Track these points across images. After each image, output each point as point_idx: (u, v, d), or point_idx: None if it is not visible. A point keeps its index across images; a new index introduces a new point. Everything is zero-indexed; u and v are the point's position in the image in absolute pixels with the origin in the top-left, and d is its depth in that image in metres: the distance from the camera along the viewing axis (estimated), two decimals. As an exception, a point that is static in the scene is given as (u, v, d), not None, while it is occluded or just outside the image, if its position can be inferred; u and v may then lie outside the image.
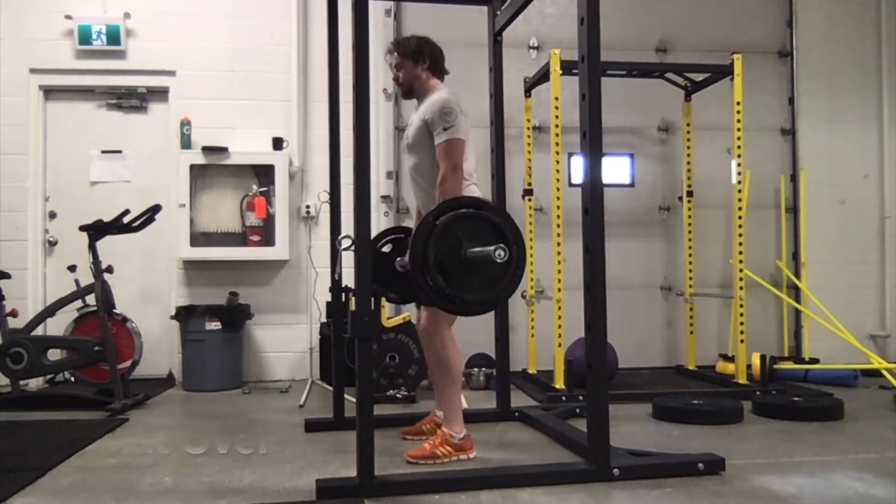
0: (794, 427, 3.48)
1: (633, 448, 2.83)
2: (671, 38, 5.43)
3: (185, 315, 4.67)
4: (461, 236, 2.56)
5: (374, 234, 2.98)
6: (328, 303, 3.82)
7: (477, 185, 3.05)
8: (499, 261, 2.44)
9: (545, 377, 4.53)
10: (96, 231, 4.10)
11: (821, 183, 5.45)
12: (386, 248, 3.27)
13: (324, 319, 4.82)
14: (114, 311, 4.23)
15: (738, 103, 4.45)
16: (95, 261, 4.10)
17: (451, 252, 2.55)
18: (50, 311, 4.26)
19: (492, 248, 2.44)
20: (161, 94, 5.09)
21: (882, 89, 5.59)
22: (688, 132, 5.04)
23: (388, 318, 4.26)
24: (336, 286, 3.44)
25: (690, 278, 5.04)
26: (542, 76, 4.55)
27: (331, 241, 3.54)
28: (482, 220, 2.60)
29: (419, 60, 3.11)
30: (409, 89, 3.16)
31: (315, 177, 5.04)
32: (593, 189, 2.61)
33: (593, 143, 2.61)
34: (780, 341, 5.39)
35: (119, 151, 5.08)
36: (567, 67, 4.29)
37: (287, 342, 5.06)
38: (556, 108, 4.29)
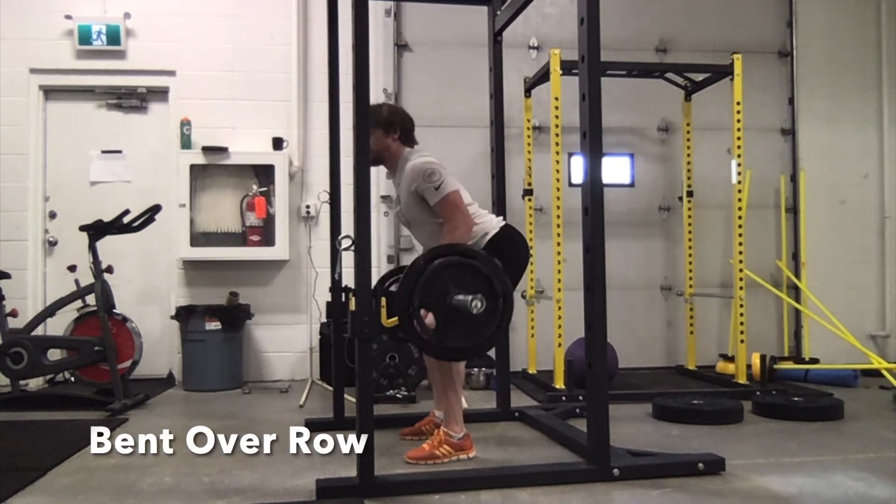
0: (794, 427, 3.48)
1: (633, 448, 2.82)
2: (671, 38, 5.43)
3: (185, 315, 4.67)
4: (450, 283, 2.56)
5: (373, 234, 2.98)
6: (328, 303, 3.81)
7: (486, 212, 3.09)
8: (474, 311, 2.46)
9: (545, 377, 4.53)
10: (96, 231, 4.10)
11: (821, 183, 5.45)
12: (394, 288, 3.27)
13: (324, 319, 4.81)
14: (114, 311, 4.23)
15: (738, 103, 4.45)
16: (95, 261, 4.10)
17: (437, 298, 2.55)
18: (50, 311, 4.26)
19: (470, 297, 2.46)
20: (161, 94, 5.09)
21: (882, 89, 5.59)
22: (688, 132, 5.04)
23: (388, 319, 4.26)
24: (336, 286, 3.44)
25: (690, 278, 5.04)
26: (542, 76, 4.54)
27: (331, 241, 3.54)
28: (473, 270, 2.58)
29: (390, 130, 3.07)
30: (377, 158, 3.07)
31: (315, 177, 5.04)
32: (593, 189, 2.61)
33: (593, 143, 2.61)
34: (780, 341, 5.38)
35: (119, 151, 5.08)
36: (567, 67, 4.28)
37: (287, 342, 5.06)
38: (556, 108, 4.29)
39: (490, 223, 3.01)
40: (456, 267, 2.59)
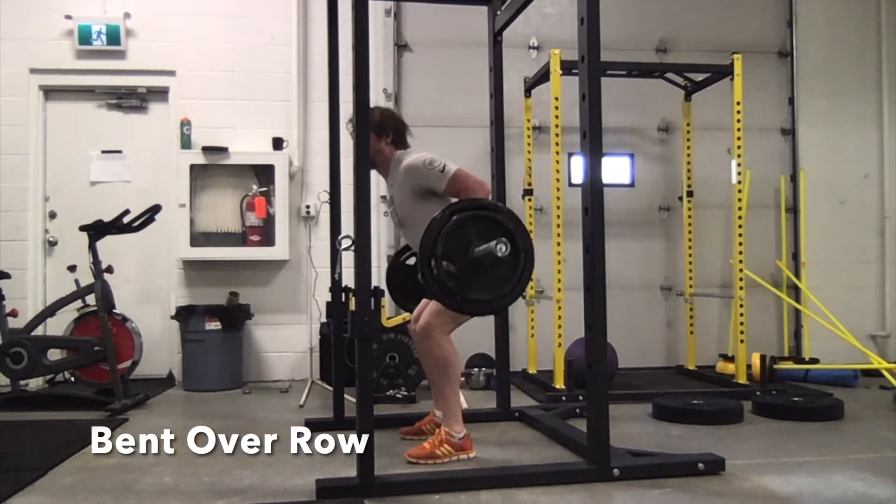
0: (794, 427, 3.48)
1: (633, 448, 2.82)
2: (671, 38, 5.43)
3: (185, 315, 4.67)
4: (473, 235, 2.57)
5: (373, 234, 2.99)
6: (328, 303, 3.82)
7: None
8: (499, 254, 2.46)
9: (545, 377, 4.53)
10: (96, 231, 4.10)
11: (821, 183, 5.45)
12: (410, 261, 3.27)
13: (324, 319, 4.81)
14: (114, 311, 4.23)
15: (738, 103, 4.45)
16: (95, 261, 4.10)
17: (460, 248, 2.56)
18: (50, 311, 4.26)
19: (493, 242, 2.46)
20: (161, 94, 5.09)
21: (882, 89, 5.59)
22: (688, 132, 5.04)
23: (388, 318, 4.27)
24: (336, 286, 3.44)
25: (690, 278, 5.04)
26: (542, 76, 4.55)
27: (331, 241, 3.54)
28: (496, 224, 2.59)
29: (383, 134, 3.09)
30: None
31: (315, 177, 5.04)
32: (593, 189, 2.61)
33: (593, 143, 2.61)
34: (780, 341, 5.39)
35: (119, 151, 5.08)
36: (567, 67, 4.29)
37: (287, 342, 5.06)
38: (556, 108, 4.29)
39: None
40: (479, 219, 2.60)
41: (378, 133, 3.08)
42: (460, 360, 3.12)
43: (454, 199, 2.86)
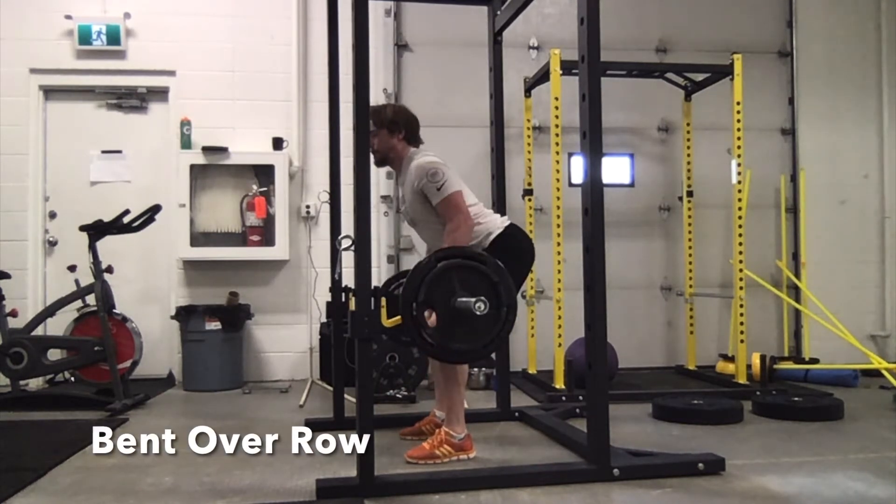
0: (794, 427, 3.48)
1: (633, 448, 2.82)
2: (671, 38, 5.43)
3: (185, 315, 4.67)
4: (456, 285, 2.56)
5: (373, 234, 2.98)
6: (328, 303, 3.82)
7: (491, 212, 3.10)
8: (478, 313, 2.46)
9: (545, 377, 4.53)
10: (96, 231, 4.10)
11: (821, 183, 5.45)
12: (398, 292, 3.27)
13: (324, 319, 4.82)
14: (114, 311, 4.23)
15: (738, 103, 4.45)
16: (95, 261, 4.10)
17: (442, 297, 2.55)
18: (50, 311, 4.26)
19: (473, 300, 2.46)
20: (161, 94, 5.09)
21: (882, 89, 5.59)
22: (688, 132, 5.04)
23: (388, 319, 4.26)
24: (336, 286, 3.44)
25: (690, 278, 5.04)
26: (542, 76, 4.55)
27: (331, 241, 3.54)
28: (480, 275, 2.58)
29: (395, 130, 3.08)
30: (383, 158, 3.12)
31: (315, 177, 5.04)
32: (593, 189, 2.61)
33: (593, 143, 2.61)
34: (780, 341, 5.38)
35: (119, 151, 5.08)
36: (567, 67, 4.29)
37: (287, 342, 5.06)
38: (556, 108, 4.29)
39: (494, 223, 3.01)
40: (464, 269, 2.59)
41: (390, 129, 3.07)
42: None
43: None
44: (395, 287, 3.26)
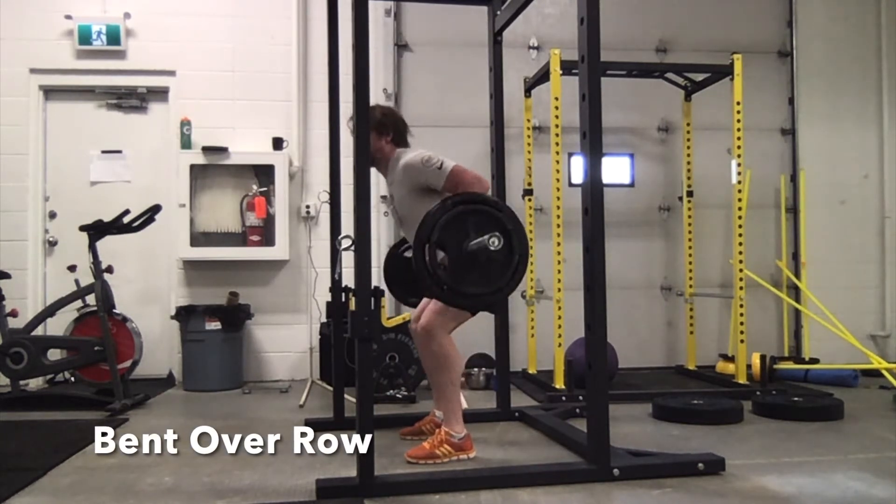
0: (794, 427, 3.48)
1: (633, 448, 2.83)
2: (671, 38, 5.43)
3: (185, 315, 4.67)
4: (471, 228, 2.57)
5: (373, 234, 2.98)
6: (328, 303, 3.81)
7: None
8: (491, 248, 2.46)
9: (545, 377, 4.53)
10: (96, 231, 4.10)
11: (821, 183, 5.45)
12: (408, 254, 3.27)
13: (324, 319, 4.81)
14: (114, 311, 4.23)
15: (738, 103, 4.45)
16: (95, 261, 4.10)
17: (456, 239, 2.56)
18: (50, 311, 4.26)
19: (486, 236, 2.47)
20: (161, 94, 5.09)
21: (882, 89, 5.59)
22: (688, 132, 5.04)
23: (388, 318, 4.27)
24: (336, 286, 3.44)
25: (690, 278, 5.04)
26: (542, 76, 4.55)
27: (331, 241, 3.54)
28: (496, 222, 2.59)
29: (383, 132, 3.10)
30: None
31: (315, 177, 5.04)
32: (593, 189, 2.61)
33: (593, 143, 2.61)
34: (780, 341, 5.38)
35: (119, 151, 5.08)
36: (567, 67, 4.29)
37: (287, 342, 5.06)
38: (556, 108, 4.29)
39: None
40: (481, 214, 2.60)
41: (378, 131, 3.08)
42: (461, 360, 3.12)
43: None
44: (404, 249, 3.26)
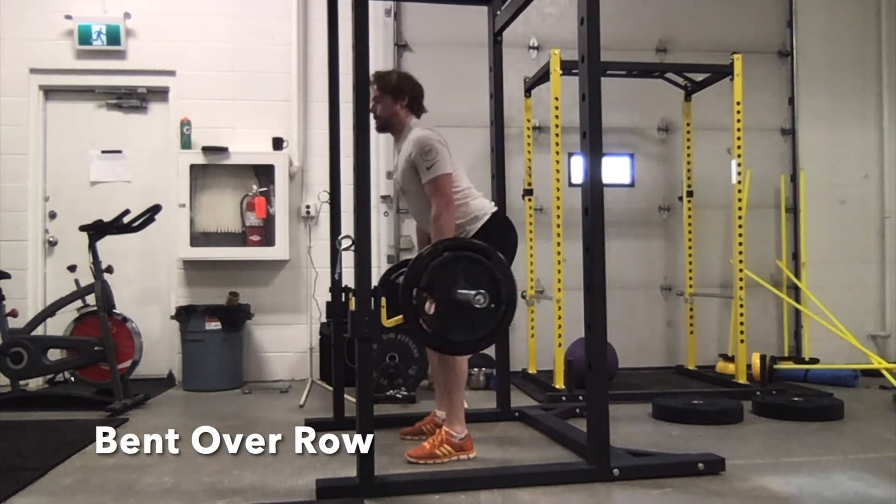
0: (794, 427, 3.48)
1: (633, 448, 2.83)
2: (671, 38, 5.43)
3: (185, 315, 4.67)
4: (459, 276, 2.56)
5: (373, 234, 2.98)
6: (328, 303, 3.81)
7: (481, 196, 3.08)
8: (477, 306, 2.46)
9: (545, 377, 4.53)
10: (96, 231, 4.10)
11: (821, 183, 5.45)
12: (400, 280, 3.27)
13: (324, 319, 4.81)
14: (114, 311, 4.23)
15: (738, 103, 4.45)
16: (95, 261, 4.10)
17: (444, 286, 2.56)
18: (50, 311, 4.26)
19: (473, 292, 2.47)
20: (161, 94, 5.09)
21: (882, 89, 5.59)
22: (688, 132, 5.04)
23: (388, 318, 4.26)
24: (336, 286, 3.43)
25: (690, 278, 5.04)
26: (542, 76, 4.55)
27: (331, 241, 3.54)
28: (484, 269, 2.59)
29: (399, 97, 3.09)
30: (385, 124, 3.13)
31: (315, 177, 5.04)
32: (593, 189, 2.61)
33: (593, 143, 2.61)
34: (780, 341, 5.38)
35: (119, 151, 5.08)
36: (567, 67, 4.29)
37: (287, 342, 5.06)
38: (556, 108, 4.29)
39: (483, 207, 3.02)
40: (468, 261, 2.60)
41: (395, 96, 3.08)
42: (466, 361, 3.12)
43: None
44: (396, 276, 3.26)
